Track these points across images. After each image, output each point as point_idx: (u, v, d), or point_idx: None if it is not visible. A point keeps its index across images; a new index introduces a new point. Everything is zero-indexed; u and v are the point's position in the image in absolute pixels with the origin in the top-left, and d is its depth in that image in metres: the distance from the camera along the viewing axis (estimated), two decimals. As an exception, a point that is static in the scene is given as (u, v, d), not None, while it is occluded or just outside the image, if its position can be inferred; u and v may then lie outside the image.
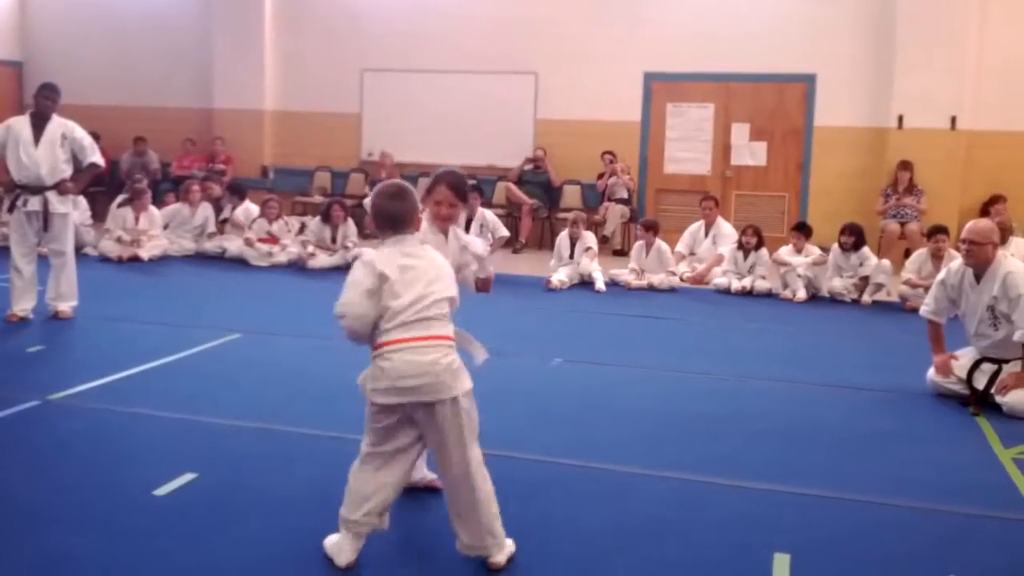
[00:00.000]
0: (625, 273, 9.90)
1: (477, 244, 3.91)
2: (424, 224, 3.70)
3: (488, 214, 10.20)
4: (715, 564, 3.43)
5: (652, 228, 10.15)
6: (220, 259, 10.69)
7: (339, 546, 3.29)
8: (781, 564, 3.43)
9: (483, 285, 3.93)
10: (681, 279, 10.18)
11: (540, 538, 3.58)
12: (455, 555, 3.34)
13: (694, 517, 3.86)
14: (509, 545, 3.35)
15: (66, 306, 7.25)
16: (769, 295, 9.57)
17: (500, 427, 4.71)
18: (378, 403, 3.20)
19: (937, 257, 8.89)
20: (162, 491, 3.89)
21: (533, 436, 4.78)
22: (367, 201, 11.41)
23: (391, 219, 3.28)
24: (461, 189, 3.78)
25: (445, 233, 3.81)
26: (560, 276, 9.65)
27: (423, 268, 3.24)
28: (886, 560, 3.52)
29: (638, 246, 10.19)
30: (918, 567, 3.48)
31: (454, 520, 3.31)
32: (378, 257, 3.23)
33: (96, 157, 7.31)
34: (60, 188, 7.12)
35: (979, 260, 5.68)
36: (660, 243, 10.04)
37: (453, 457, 3.22)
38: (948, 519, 3.94)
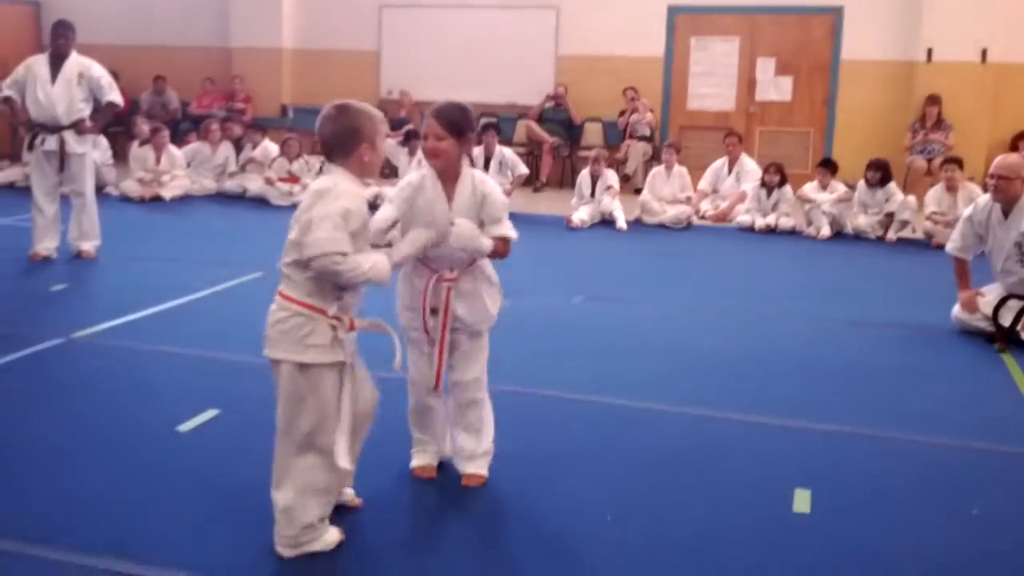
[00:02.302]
0: (652, 202, 9.87)
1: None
2: (422, 172, 3.26)
3: (507, 151, 10.11)
4: (736, 499, 3.43)
5: (678, 149, 10.31)
6: (241, 198, 10.69)
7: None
8: (802, 499, 3.42)
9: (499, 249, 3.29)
10: (704, 217, 10.11)
11: (561, 473, 3.60)
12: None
13: (715, 453, 3.86)
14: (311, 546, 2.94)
15: (89, 245, 7.28)
16: (793, 233, 9.47)
17: (521, 364, 4.72)
18: None
19: (951, 189, 8.79)
20: (186, 427, 3.93)
21: (554, 373, 4.78)
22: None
23: (321, 144, 2.87)
24: (450, 118, 3.11)
25: (447, 179, 3.19)
26: (581, 215, 9.59)
27: (301, 207, 2.81)
28: (908, 496, 3.51)
29: (656, 171, 10.15)
30: (940, 503, 3.47)
31: None
32: None
33: (114, 96, 7.26)
34: (78, 128, 7.09)
35: (1007, 195, 5.58)
36: (681, 168, 10.08)
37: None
38: (972, 455, 3.92)
